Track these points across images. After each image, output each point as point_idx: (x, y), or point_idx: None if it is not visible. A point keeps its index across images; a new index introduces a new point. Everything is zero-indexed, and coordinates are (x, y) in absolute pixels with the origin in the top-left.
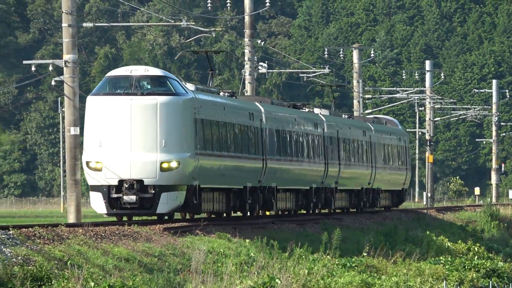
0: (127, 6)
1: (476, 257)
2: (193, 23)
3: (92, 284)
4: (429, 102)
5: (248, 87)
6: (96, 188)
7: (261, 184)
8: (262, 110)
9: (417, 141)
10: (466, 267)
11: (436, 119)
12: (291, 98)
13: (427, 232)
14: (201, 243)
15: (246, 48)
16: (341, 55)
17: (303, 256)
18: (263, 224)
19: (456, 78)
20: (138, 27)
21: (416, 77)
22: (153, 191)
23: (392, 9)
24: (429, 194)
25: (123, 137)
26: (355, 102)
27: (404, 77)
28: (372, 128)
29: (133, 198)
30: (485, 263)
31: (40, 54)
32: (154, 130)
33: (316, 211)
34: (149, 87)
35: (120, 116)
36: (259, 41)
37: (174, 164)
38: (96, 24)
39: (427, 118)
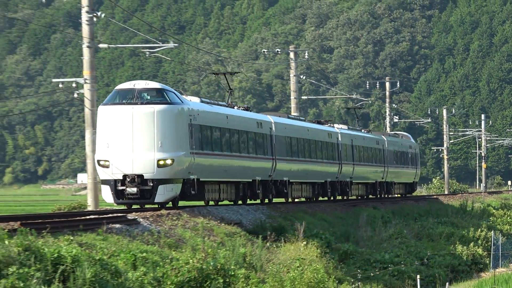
0: (324, 87)
1: (508, 217)
2: (359, 95)
3: (306, 231)
4: (484, 136)
5: (388, 129)
6: (105, 182)
7: (272, 178)
8: (272, 121)
9: (477, 157)
10: (504, 223)
11: (487, 145)
12: (413, 136)
13: (483, 205)
14: (363, 211)
15: (387, 109)
16: (437, 112)
17: (417, 218)
18: (395, 201)
19: (498, 124)
20: (330, 99)
21: (476, 123)
22: (152, 184)
23: (463, 87)
24: (483, 185)
25: (126, 139)
26: (444, 137)
27: (470, 123)
28: (385, 139)
29: (134, 190)
30: None
31: None
32: (152, 133)
33: (338, 198)
34: (148, 97)
35: (124, 122)
36: (393, 105)
37: (169, 161)
38: (309, 97)
39: (483, 145)
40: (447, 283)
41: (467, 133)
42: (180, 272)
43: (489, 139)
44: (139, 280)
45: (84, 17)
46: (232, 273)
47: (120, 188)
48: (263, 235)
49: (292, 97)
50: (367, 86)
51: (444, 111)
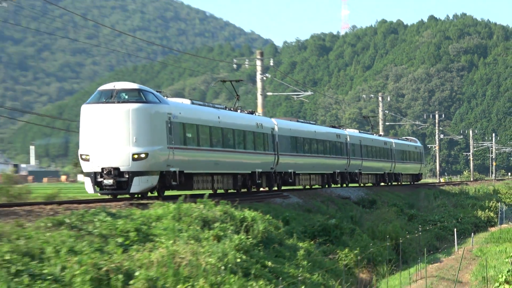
0: (399, 117)
1: (509, 195)
2: (419, 122)
3: (389, 202)
4: (494, 146)
5: (436, 142)
6: (86, 174)
7: (275, 170)
8: (276, 123)
9: (490, 159)
10: (506, 198)
11: (496, 151)
12: (451, 146)
13: (493, 187)
14: (422, 190)
15: (436, 130)
16: (466, 132)
17: (454, 194)
18: (440, 185)
19: (503, 139)
20: (402, 124)
21: (490, 138)
22: (127, 176)
23: (482, 117)
24: (494, 175)
25: (104, 135)
26: (470, 147)
27: (486, 139)
28: (393, 141)
29: (111, 181)
30: None
31: None
32: (128, 130)
33: (349, 185)
34: (126, 97)
35: (103, 119)
36: (440, 128)
37: (143, 155)
38: (390, 123)
39: (493, 151)
40: (472, 233)
41: (484, 144)
42: (314, 226)
43: (497, 148)
44: (290, 231)
45: (258, 76)
46: (344, 227)
47: (99, 180)
48: (362, 205)
49: (380, 123)
50: (425, 117)
51: (470, 132)
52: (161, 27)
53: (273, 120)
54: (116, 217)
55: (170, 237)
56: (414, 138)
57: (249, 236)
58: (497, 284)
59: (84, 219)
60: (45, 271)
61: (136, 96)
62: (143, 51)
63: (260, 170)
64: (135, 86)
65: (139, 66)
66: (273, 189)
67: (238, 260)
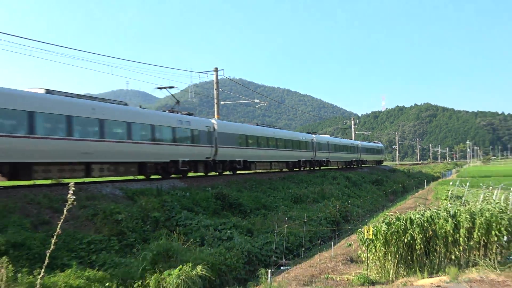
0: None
1: (453, 164)
2: (422, 144)
3: (402, 172)
4: (440, 151)
5: (418, 151)
6: None
7: (214, 159)
8: (215, 123)
9: (446, 154)
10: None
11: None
12: (426, 152)
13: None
14: (414, 166)
15: (418, 144)
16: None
17: (425, 167)
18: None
19: (453, 148)
20: (417, 145)
21: (445, 148)
22: None
23: (438, 140)
24: (440, 161)
25: None
26: (430, 151)
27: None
28: (359, 142)
29: None
30: None
31: None
32: None
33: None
34: None
35: None
36: (418, 144)
37: None
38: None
39: (439, 152)
40: (431, 181)
41: (436, 149)
42: (373, 179)
43: (441, 151)
44: (364, 180)
45: (352, 128)
46: (384, 179)
47: None
48: (391, 171)
49: (397, 143)
50: (413, 140)
51: (430, 145)
52: (315, 110)
53: (213, 121)
54: (313, 176)
55: (320, 183)
56: (378, 142)
57: (349, 182)
58: (442, 200)
59: (296, 177)
60: (277, 196)
61: None
62: (312, 120)
63: (187, 159)
64: None
65: (308, 124)
66: (213, 174)
67: (345, 191)
